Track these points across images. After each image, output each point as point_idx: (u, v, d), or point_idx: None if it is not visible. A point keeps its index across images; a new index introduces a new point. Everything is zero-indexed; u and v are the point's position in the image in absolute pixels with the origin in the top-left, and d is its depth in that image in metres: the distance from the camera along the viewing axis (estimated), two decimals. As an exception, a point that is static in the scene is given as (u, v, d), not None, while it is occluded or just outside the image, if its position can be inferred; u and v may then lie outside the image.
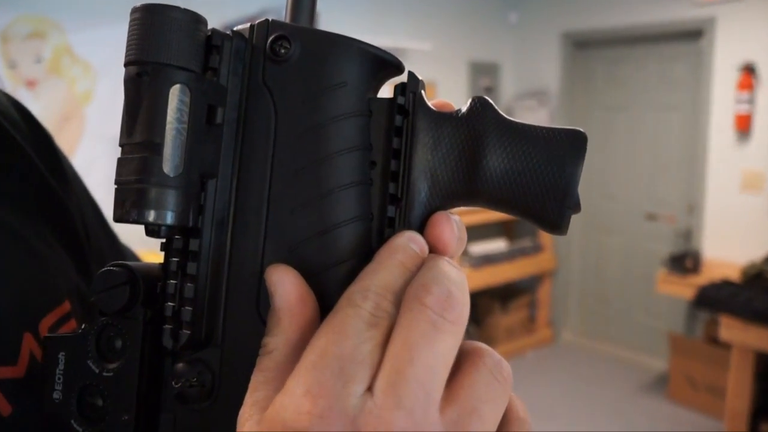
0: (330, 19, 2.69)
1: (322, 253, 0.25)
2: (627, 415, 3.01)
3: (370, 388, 0.21)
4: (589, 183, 3.72)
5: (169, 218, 0.23)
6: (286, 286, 0.23)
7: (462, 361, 0.23)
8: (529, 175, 0.25)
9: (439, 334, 0.21)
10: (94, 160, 2.48)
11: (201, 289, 0.25)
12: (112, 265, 0.27)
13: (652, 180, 3.56)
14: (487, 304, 3.68)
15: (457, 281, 0.23)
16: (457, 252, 0.26)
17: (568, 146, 0.25)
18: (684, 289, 2.94)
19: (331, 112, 0.25)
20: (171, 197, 0.23)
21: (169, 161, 0.23)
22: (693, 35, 3.33)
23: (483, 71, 3.89)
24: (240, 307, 0.25)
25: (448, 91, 3.63)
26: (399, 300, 0.23)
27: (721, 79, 3.18)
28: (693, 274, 2.98)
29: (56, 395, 0.27)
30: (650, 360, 3.55)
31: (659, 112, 3.52)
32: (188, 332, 0.25)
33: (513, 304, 3.76)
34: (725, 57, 3.16)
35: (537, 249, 3.80)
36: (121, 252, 0.47)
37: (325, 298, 0.24)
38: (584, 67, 3.85)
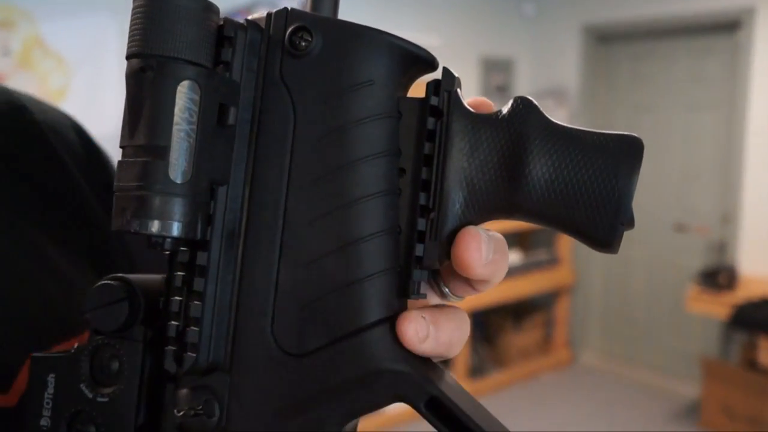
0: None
1: (342, 270, 0.24)
2: None
3: None
4: None
5: (175, 230, 0.23)
6: None
7: None
8: (578, 187, 0.24)
9: None
10: None
11: (209, 307, 0.24)
12: (110, 278, 0.26)
13: (682, 187, 3.53)
14: (498, 322, 3.65)
15: None
16: (488, 274, 0.25)
17: (623, 154, 0.24)
18: (717, 307, 2.88)
19: (356, 114, 0.24)
20: (177, 206, 0.22)
21: (176, 166, 0.22)
22: (729, 27, 3.29)
23: (496, 68, 3.86)
24: (252, 328, 0.24)
25: None
26: None
27: (760, 75, 3.13)
28: (727, 291, 2.92)
29: (44, 422, 0.26)
30: (680, 386, 3.49)
31: (690, 112, 3.48)
32: (193, 355, 0.24)
33: (527, 322, 3.71)
34: (765, 51, 3.11)
35: (554, 262, 3.77)
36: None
37: (345, 319, 0.24)
38: (607, 64, 3.81)
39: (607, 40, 3.77)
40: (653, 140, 3.57)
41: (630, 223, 0.24)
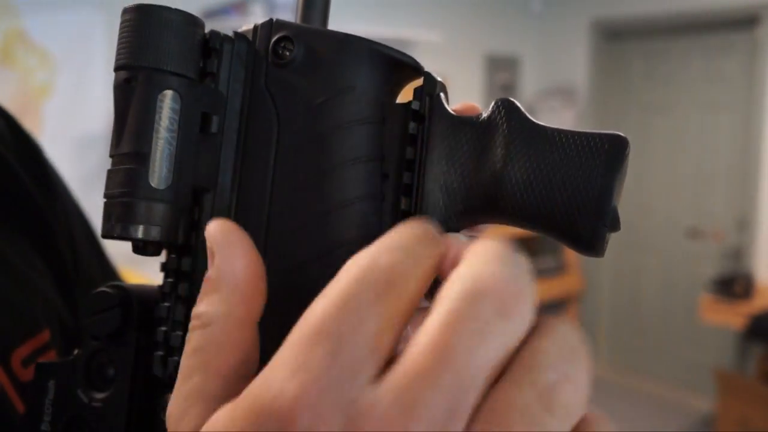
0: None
1: (324, 276, 0.23)
2: None
3: (379, 378, 0.18)
4: (623, 194, 3.66)
5: (155, 233, 0.24)
6: (232, 248, 0.22)
7: (508, 367, 0.19)
8: (558, 187, 0.24)
9: (489, 333, 0.18)
10: (55, 159, 2.36)
11: None
12: (107, 286, 0.28)
13: (697, 191, 3.54)
14: (504, 332, 3.65)
15: (511, 263, 0.20)
16: None
17: (603, 152, 0.24)
18: (733, 317, 2.87)
19: (336, 120, 0.25)
20: (158, 211, 0.24)
21: (157, 173, 0.24)
22: (747, 23, 3.29)
23: (500, 66, 3.86)
24: None
25: (461, 89, 3.65)
26: (428, 278, 0.20)
27: (780, 74, 3.16)
28: (744, 300, 2.92)
29: (44, 427, 0.28)
30: (694, 399, 3.49)
31: (706, 113, 3.49)
32: (177, 359, 0.24)
33: None
34: (785, 48, 3.15)
35: (561, 269, 3.79)
36: (110, 272, 0.47)
37: None
38: (618, 62, 3.81)
39: (617, 37, 3.78)
40: (667, 142, 3.62)
41: (613, 225, 0.24)
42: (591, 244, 0.24)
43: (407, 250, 0.20)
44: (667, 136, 3.60)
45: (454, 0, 3.64)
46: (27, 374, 0.33)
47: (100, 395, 0.27)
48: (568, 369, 0.19)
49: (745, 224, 3.30)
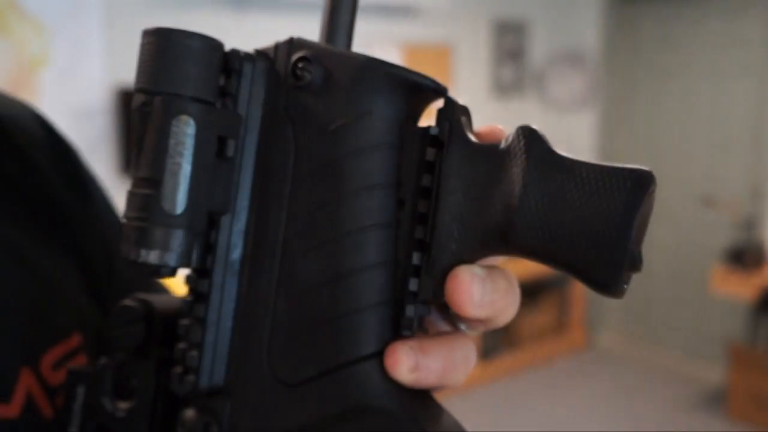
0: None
1: (334, 302, 0.25)
2: None
3: None
4: (633, 161, 3.64)
5: (169, 259, 0.25)
6: None
7: None
8: (573, 224, 0.24)
9: None
10: None
11: (210, 332, 0.26)
12: (131, 299, 0.29)
13: (711, 159, 3.51)
14: (511, 304, 3.65)
15: None
16: (485, 315, 0.25)
17: (625, 190, 0.24)
18: (745, 288, 2.88)
19: (352, 146, 0.25)
20: (171, 237, 0.24)
21: (171, 198, 0.24)
22: None
23: (508, 31, 3.80)
24: (250, 355, 0.26)
25: (467, 57, 3.56)
26: None
27: (799, 37, 3.11)
28: (756, 270, 2.90)
29: (73, 430, 0.29)
30: (704, 371, 3.50)
31: (721, 78, 3.43)
32: (193, 378, 0.26)
33: (541, 302, 3.71)
34: (806, 10, 3.09)
35: None
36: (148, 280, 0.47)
37: (335, 351, 0.25)
38: (630, 25, 3.75)
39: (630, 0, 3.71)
40: (680, 109, 3.58)
41: (634, 266, 0.24)
42: (608, 286, 0.24)
43: None
44: (681, 102, 3.56)
45: (460, -37, 3.59)
46: (57, 378, 0.34)
47: (124, 405, 0.28)
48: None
49: (759, 193, 3.28)
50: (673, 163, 3.60)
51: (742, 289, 2.88)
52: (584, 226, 0.24)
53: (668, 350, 3.68)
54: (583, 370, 3.59)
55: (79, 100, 2.58)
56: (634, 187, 0.24)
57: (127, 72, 2.52)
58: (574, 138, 3.79)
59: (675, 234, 3.62)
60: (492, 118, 3.70)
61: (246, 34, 2.55)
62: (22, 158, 0.39)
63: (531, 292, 3.65)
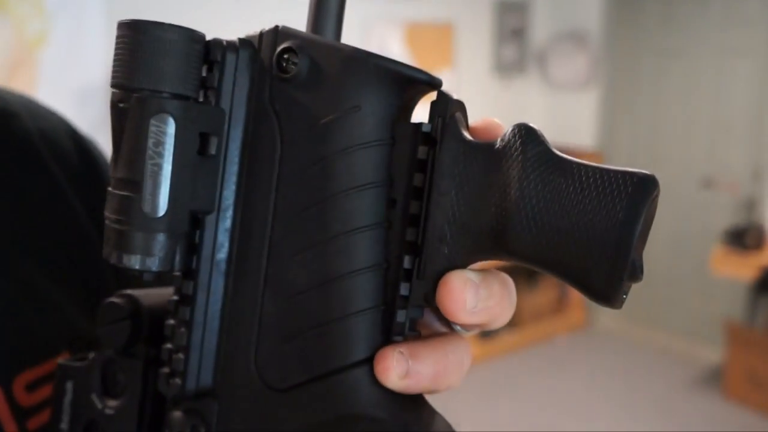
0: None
1: (323, 307, 0.24)
2: (674, 414, 2.92)
3: None
4: (635, 142, 3.68)
5: (151, 263, 0.24)
6: None
7: None
8: (570, 230, 0.22)
9: None
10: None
11: (196, 335, 0.25)
12: (117, 296, 0.28)
13: (712, 140, 3.46)
14: (511, 282, 3.65)
15: None
16: (478, 321, 0.25)
17: (626, 195, 0.22)
18: (744, 269, 2.87)
19: (340, 143, 0.24)
20: (152, 241, 0.24)
21: (151, 201, 0.23)
22: None
23: (510, 9, 3.74)
24: (237, 358, 0.25)
25: (469, 36, 3.51)
26: None
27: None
28: (756, 251, 2.90)
29: (63, 426, 0.29)
30: (703, 351, 3.49)
31: (724, 58, 3.39)
32: (179, 381, 0.25)
33: (541, 282, 3.70)
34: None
35: None
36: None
37: (324, 357, 0.24)
38: (633, 5, 3.69)
39: (633, -22, 3.68)
40: (682, 89, 3.53)
41: (634, 276, 0.22)
42: (606, 297, 0.23)
43: None
44: (683, 82, 3.52)
45: (462, -60, 3.51)
46: (30, 399, 0.33)
47: (113, 402, 0.28)
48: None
49: (760, 174, 3.26)
50: (674, 144, 3.56)
51: (741, 269, 2.87)
52: (582, 232, 0.22)
53: (667, 330, 3.67)
54: (582, 349, 3.59)
55: (80, 79, 2.56)
56: (637, 193, 0.22)
57: (128, 52, 2.50)
58: (576, 118, 3.77)
59: (675, 215, 3.60)
60: (493, 98, 3.69)
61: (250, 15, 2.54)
62: (42, 176, 0.39)
63: (531, 271, 3.65)
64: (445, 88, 0.25)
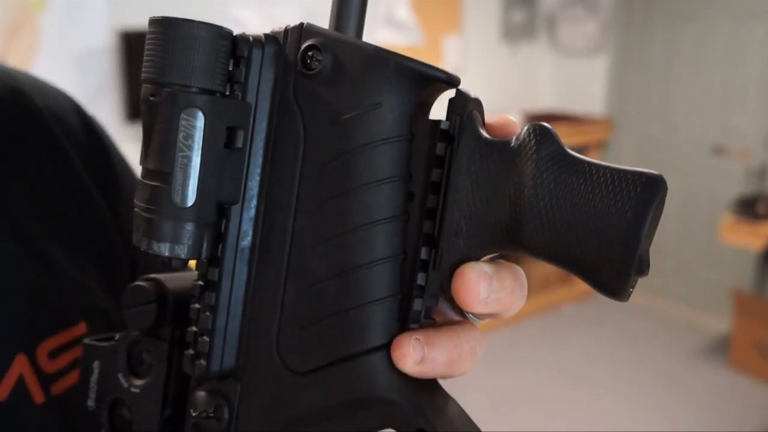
0: None
1: (342, 295, 0.26)
2: (681, 384, 2.94)
3: None
4: (645, 109, 3.65)
5: (180, 251, 0.25)
6: None
7: None
8: (581, 227, 0.24)
9: None
10: (55, 76, 2.31)
11: (220, 319, 0.27)
12: (143, 280, 0.30)
13: (724, 106, 3.44)
14: (518, 252, 3.66)
15: None
16: (491, 311, 0.26)
17: (635, 194, 0.23)
18: (754, 238, 2.86)
19: (361, 138, 0.25)
20: (181, 230, 0.25)
21: (180, 191, 0.25)
22: None
23: None
24: (260, 341, 0.27)
25: (476, 7, 3.44)
26: None
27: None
28: (766, 220, 2.89)
29: (90, 403, 0.31)
30: (711, 320, 3.50)
31: (737, 22, 3.35)
32: (204, 363, 0.27)
33: None
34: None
35: None
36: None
37: (343, 343, 0.26)
38: None
39: (645, -61, 3.60)
40: (694, 54, 3.51)
41: (641, 271, 0.24)
42: (614, 291, 0.24)
43: None
44: (695, 46, 3.49)
45: None
46: (53, 366, 0.35)
47: (138, 382, 0.30)
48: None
49: (772, 142, 3.26)
50: (685, 110, 3.54)
51: (751, 238, 2.87)
52: (593, 230, 0.24)
53: (675, 299, 3.68)
54: (589, 317, 3.60)
55: (81, 43, 2.53)
56: (645, 193, 0.23)
57: (131, 14, 2.47)
58: (586, 85, 3.73)
59: (685, 183, 3.59)
60: (502, 65, 3.64)
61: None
62: (56, 153, 0.40)
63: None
64: (463, 87, 0.26)
